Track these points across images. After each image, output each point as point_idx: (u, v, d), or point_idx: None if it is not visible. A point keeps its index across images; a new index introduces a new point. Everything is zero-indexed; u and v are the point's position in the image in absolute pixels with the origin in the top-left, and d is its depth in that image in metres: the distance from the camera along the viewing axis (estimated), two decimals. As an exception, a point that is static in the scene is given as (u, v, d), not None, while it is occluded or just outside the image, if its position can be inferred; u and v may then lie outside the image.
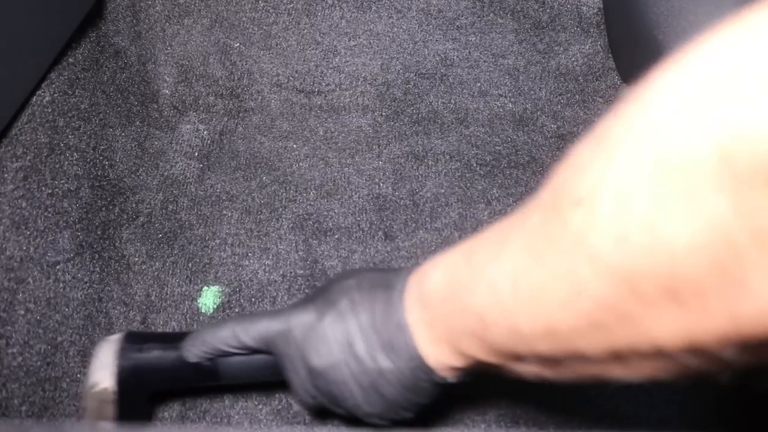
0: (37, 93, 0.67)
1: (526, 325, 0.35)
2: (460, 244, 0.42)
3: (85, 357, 0.67)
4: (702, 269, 0.26)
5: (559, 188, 0.36)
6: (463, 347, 0.41)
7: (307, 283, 0.74)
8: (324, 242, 0.78)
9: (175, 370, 0.54)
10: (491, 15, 0.94)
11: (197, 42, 0.91)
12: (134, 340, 0.55)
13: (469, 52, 0.94)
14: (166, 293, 0.74)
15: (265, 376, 0.54)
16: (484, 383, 0.56)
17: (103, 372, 0.54)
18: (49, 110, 0.68)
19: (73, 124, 0.72)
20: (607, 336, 0.31)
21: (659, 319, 0.29)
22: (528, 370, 0.40)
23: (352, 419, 0.50)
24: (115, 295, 0.73)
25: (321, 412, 0.62)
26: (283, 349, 0.50)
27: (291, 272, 0.75)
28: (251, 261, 0.76)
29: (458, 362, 0.43)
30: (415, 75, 0.93)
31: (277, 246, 0.78)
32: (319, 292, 0.50)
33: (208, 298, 0.73)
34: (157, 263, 0.76)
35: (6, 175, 0.61)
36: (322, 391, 0.49)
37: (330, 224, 0.80)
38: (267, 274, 0.75)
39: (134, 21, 0.86)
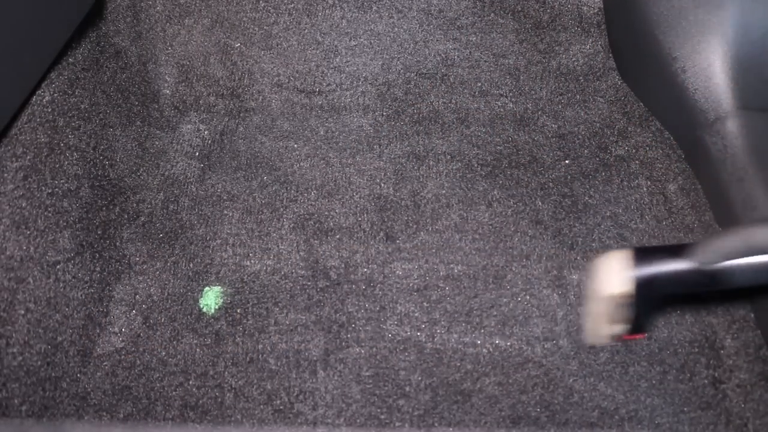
0: (37, 93, 0.67)
1: None
2: None
3: (85, 357, 0.67)
4: None
5: None
6: None
7: (308, 283, 0.74)
8: (325, 242, 0.78)
9: (686, 276, 0.60)
10: (492, 15, 0.94)
11: (198, 42, 0.91)
12: (642, 254, 0.62)
13: (470, 51, 0.94)
14: (168, 293, 0.73)
15: (766, 278, 0.57)
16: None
17: (618, 279, 0.62)
18: (49, 110, 0.68)
19: (74, 123, 0.72)
20: None
21: None
22: None
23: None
24: (115, 295, 0.73)
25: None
26: None
27: (292, 272, 0.75)
28: (252, 261, 0.76)
29: None
30: (416, 75, 0.93)
31: (278, 246, 0.77)
32: None
33: (210, 299, 0.73)
34: (158, 263, 0.76)
35: (6, 175, 0.61)
36: None
37: (331, 224, 0.79)
38: (268, 274, 0.75)
39: (135, 21, 0.86)
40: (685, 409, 0.64)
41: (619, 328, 0.63)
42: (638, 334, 0.67)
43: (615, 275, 0.61)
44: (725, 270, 0.58)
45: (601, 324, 0.64)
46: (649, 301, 0.63)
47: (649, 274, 0.61)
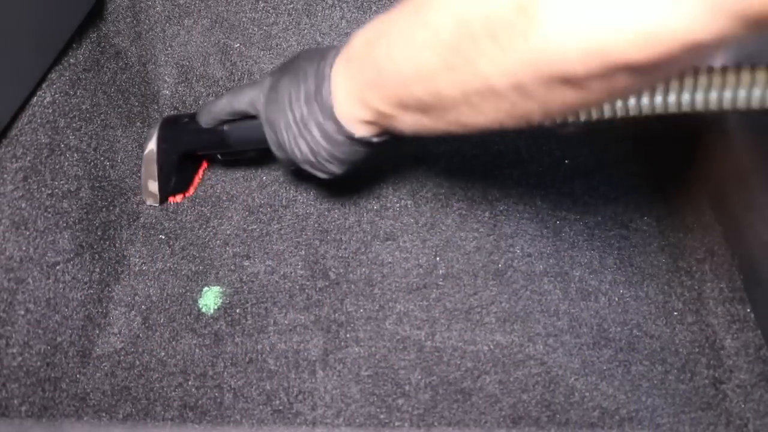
0: (37, 93, 0.67)
1: (405, 66, 0.44)
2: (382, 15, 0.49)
3: (84, 357, 0.67)
4: (508, 10, 0.35)
5: None
6: (367, 98, 0.50)
7: (307, 283, 0.74)
8: (325, 242, 0.78)
9: (196, 135, 0.71)
10: (492, 15, 0.94)
11: (197, 42, 0.91)
12: (170, 119, 0.75)
13: (470, 52, 0.93)
14: (167, 294, 0.73)
15: (260, 140, 0.63)
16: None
17: (150, 141, 0.75)
18: (50, 111, 0.68)
19: (74, 124, 0.72)
20: (457, 77, 0.41)
21: (486, 59, 0.38)
22: (413, 120, 0.49)
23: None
24: (115, 296, 0.73)
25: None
26: (259, 110, 0.61)
27: (292, 272, 0.75)
28: (252, 261, 0.76)
29: (363, 115, 0.52)
30: (416, 75, 0.93)
31: (277, 246, 0.77)
32: (283, 64, 0.61)
33: (210, 299, 0.73)
34: (157, 264, 0.76)
35: (6, 176, 0.61)
36: (278, 143, 0.60)
37: (331, 224, 0.79)
38: (268, 274, 0.75)
39: (134, 22, 0.86)
40: (686, 409, 0.64)
41: (154, 186, 0.77)
42: (179, 194, 0.80)
43: (149, 136, 0.75)
44: (224, 131, 0.68)
45: (146, 181, 0.77)
46: (170, 159, 0.75)
47: (166, 134, 0.74)
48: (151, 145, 0.75)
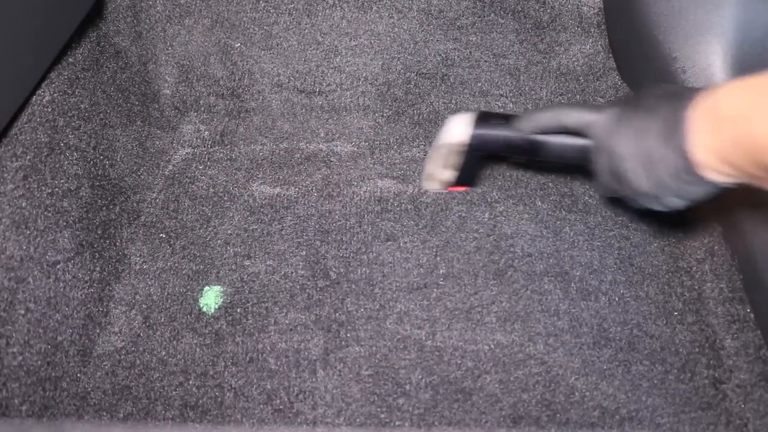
0: (37, 92, 0.67)
1: None
2: (752, 78, 0.51)
3: (85, 356, 0.67)
4: None
5: None
6: (734, 160, 0.52)
7: (308, 283, 0.74)
8: (325, 243, 0.78)
9: (509, 138, 0.72)
10: (492, 15, 0.94)
11: (198, 42, 0.91)
12: (484, 116, 0.75)
13: (470, 52, 0.94)
14: (168, 293, 0.73)
15: (573, 157, 0.68)
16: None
17: (459, 131, 0.75)
18: (49, 110, 0.68)
19: (74, 123, 0.72)
20: None
21: None
22: None
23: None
24: (115, 295, 0.73)
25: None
26: (595, 134, 0.62)
27: (292, 272, 0.75)
28: (253, 261, 0.76)
29: (725, 170, 0.53)
30: (416, 75, 0.93)
31: (278, 246, 0.77)
32: (629, 97, 0.63)
33: (210, 298, 0.73)
34: (158, 263, 0.76)
35: (6, 175, 0.61)
36: (615, 172, 0.61)
37: (332, 225, 0.79)
38: (269, 274, 0.75)
39: (135, 21, 0.86)
40: (686, 409, 0.64)
41: (448, 174, 0.77)
42: (462, 186, 0.81)
43: (458, 128, 0.74)
44: (540, 141, 0.70)
45: (437, 168, 0.77)
46: (477, 156, 0.76)
47: (482, 133, 0.74)
48: (461, 137, 0.75)
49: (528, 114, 0.70)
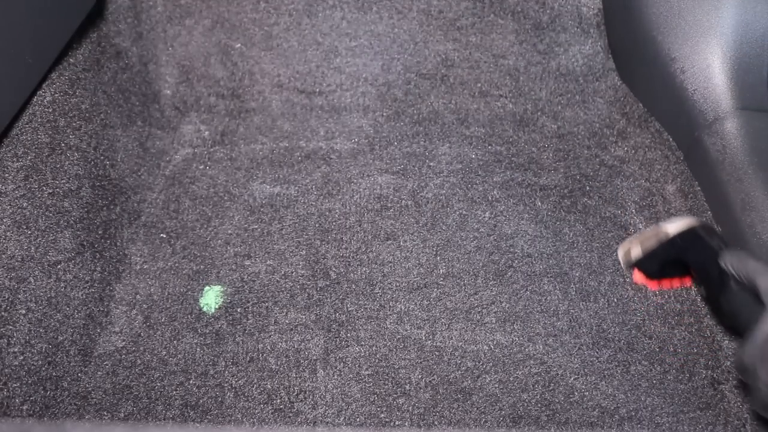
0: (38, 93, 0.67)
1: None
2: None
3: (86, 356, 0.67)
4: None
5: None
6: None
7: (308, 283, 0.74)
8: (326, 242, 0.78)
9: (709, 262, 0.65)
10: (492, 16, 0.94)
11: (198, 43, 0.91)
12: (708, 229, 0.69)
13: (470, 52, 0.94)
14: (168, 292, 0.73)
15: (745, 328, 0.57)
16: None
17: (677, 225, 0.69)
18: (50, 110, 0.68)
19: (74, 124, 0.72)
20: None
21: None
22: None
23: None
24: (116, 295, 0.73)
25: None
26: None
27: (293, 272, 0.75)
28: (253, 261, 0.76)
29: None
30: (416, 75, 0.94)
31: (278, 246, 0.78)
32: None
33: (211, 298, 0.73)
34: (159, 263, 0.76)
35: (7, 175, 0.62)
36: None
37: (332, 224, 0.80)
38: (269, 274, 0.75)
39: (135, 22, 0.86)
40: (685, 409, 0.64)
41: (636, 252, 0.71)
42: (649, 282, 0.74)
43: (679, 223, 0.70)
44: (733, 288, 0.62)
45: (634, 240, 0.72)
46: (670, 252, 0.70)
47: (693, 234, 0.68)
48: (672, 228, 0.70)
49: (742, 256, 0.62)
